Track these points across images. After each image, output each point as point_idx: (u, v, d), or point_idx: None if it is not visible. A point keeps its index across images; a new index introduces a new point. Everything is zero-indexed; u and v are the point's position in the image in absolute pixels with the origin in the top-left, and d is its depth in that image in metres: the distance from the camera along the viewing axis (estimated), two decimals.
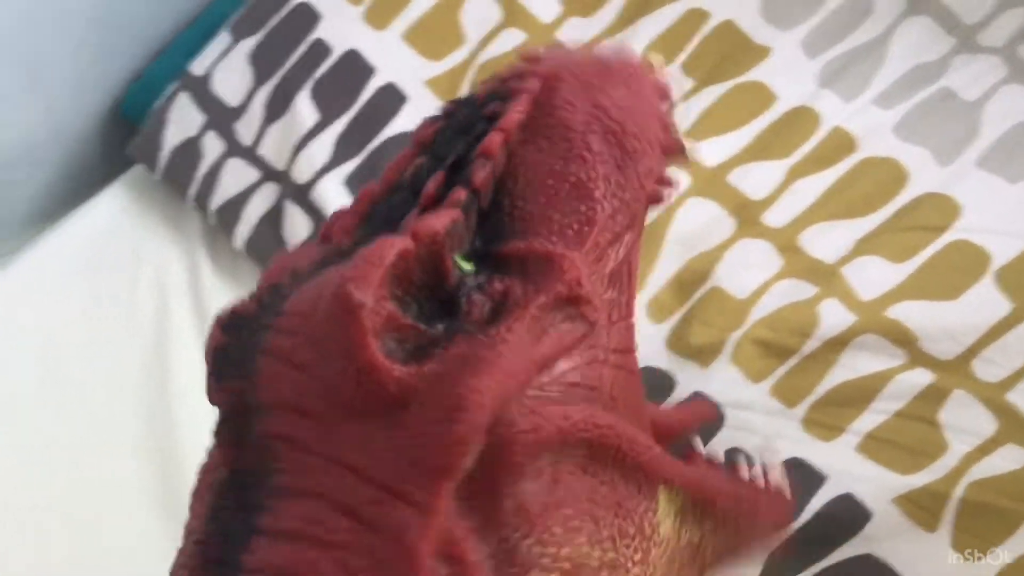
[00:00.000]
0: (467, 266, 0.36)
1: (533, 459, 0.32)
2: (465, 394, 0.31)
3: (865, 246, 0.93)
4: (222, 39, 1.17)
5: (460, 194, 0.36)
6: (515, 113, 0.37)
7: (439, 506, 0.31)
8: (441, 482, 0.31)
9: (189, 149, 1.15)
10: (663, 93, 0.40)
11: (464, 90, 1.08)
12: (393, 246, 0.34)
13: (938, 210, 0.92)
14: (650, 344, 0.92)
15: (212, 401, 0.36)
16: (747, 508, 0.37)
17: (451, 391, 0.31)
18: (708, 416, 0.47)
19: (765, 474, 0.41)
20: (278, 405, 0.33)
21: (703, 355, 0.91)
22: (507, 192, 0.37)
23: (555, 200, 0.36)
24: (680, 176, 1.00)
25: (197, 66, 1.17)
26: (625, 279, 0.37)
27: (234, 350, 0.35)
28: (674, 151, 0.38)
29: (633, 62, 0.41)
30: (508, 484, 0.32)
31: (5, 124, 1.17)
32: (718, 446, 0.88)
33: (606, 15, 1.10)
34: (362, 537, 0.31)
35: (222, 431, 0.35)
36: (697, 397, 0.77)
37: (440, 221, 0.35)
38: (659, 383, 0.91)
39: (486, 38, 1.10)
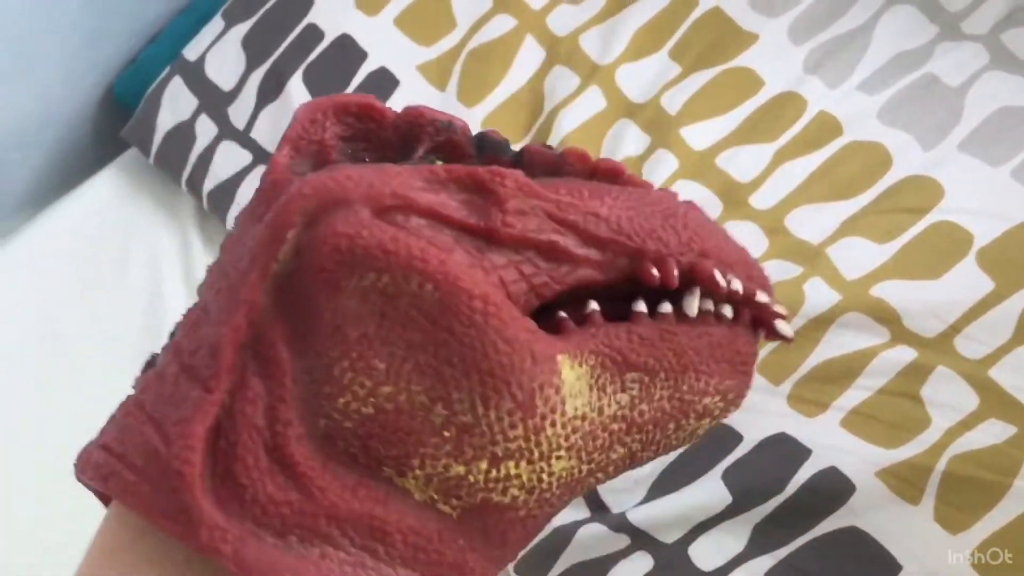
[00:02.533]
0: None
1: (350, 272, 0.29)
2: (295, 181, 0.30)
3: (850, 227, 0.94)
4: (215, 24, 1.18)
5: (493, 133, 0.35)
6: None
7: (246, 295, 0.29)
8: (252, 268, 0.30)
9: (182, 133, 1.16)
10: (753, 268, 0.38)
11: (455, 75, 1.09)
12: (365, 97, 0.34)
13: (921, 192, 0.94)
14: None
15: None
16: (668, 350, 0.33)
17: (302, 183, 0.30)
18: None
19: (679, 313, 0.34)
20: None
21: None
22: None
23: (567, 180, 0.34)
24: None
25: (190, 51, 1.18)
26: (559, 275, 0.33)
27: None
28: (703, 277, 0.35)
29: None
30: (324, 295, 0.30)
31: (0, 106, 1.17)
32: None
33: (596, 2, 1.11)
34: (198, 325, 0.31)
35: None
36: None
37: (434, 112, 0.34)
38: None
39: (477, 24, 1.11)
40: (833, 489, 0.84)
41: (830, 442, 0.85)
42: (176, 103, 1.17)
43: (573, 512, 0.91)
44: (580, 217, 0.32)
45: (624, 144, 1.03)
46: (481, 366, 0.30)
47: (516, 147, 0.35)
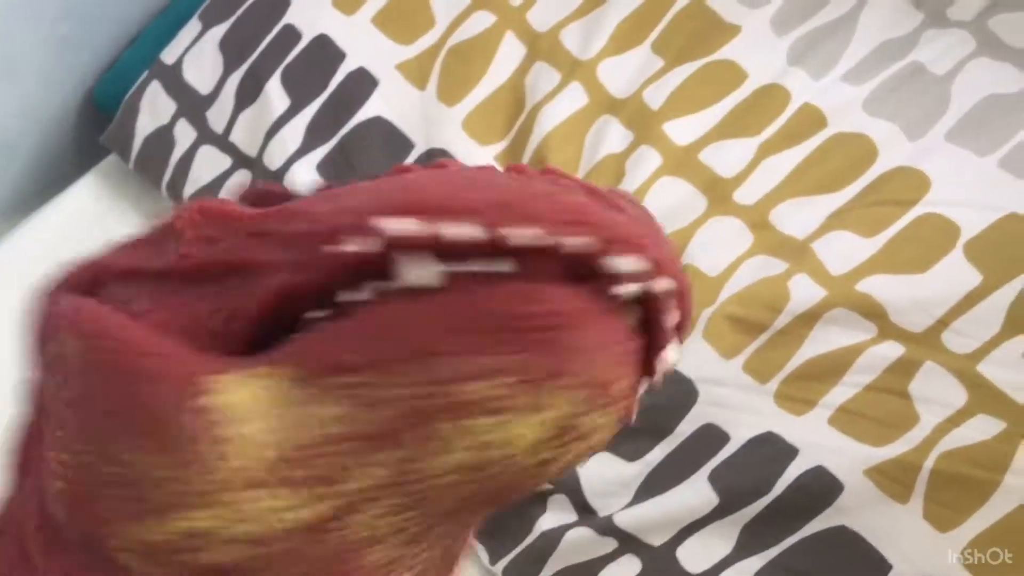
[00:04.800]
0: None
1: (45, 341, 0.29)
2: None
3: (835, 221, 0.93)
4: (192, 27, 1.16)
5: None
6: None
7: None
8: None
9: (161, 137, 1.14)
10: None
11: (435, 73, 1.08)
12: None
13: (907, 184, 0.93)
14: None
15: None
16: (398, 340, 0.26)
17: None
18: None
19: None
20: None
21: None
22: None
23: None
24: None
25: (168, 55, 1.17)
26: (248, 291, 0.29)
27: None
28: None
29: None
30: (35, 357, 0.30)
31: None
32: (692, 424, 0.88)
33: None
34: None
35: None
36: None
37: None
38: None
39: (456, 21, 1.09)
40: (821, 488, 0.83)
41: (817, 441, 0.84)
42: (155, 108, 1.15)
43: (560, 516, 0.91)
44: (280, 223, 0.28)
45: (606, 141, 1.02)
46: (107, 399, 0.27)
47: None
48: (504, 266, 0.26)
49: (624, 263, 0.27)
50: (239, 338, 0.28)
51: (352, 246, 0.26)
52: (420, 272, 0.26)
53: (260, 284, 0.28)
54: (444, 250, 0.26)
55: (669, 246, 0.30)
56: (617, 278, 0.27)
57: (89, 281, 0.29)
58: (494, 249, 0.26)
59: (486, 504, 0.27)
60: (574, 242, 0.27)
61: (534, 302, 0.26)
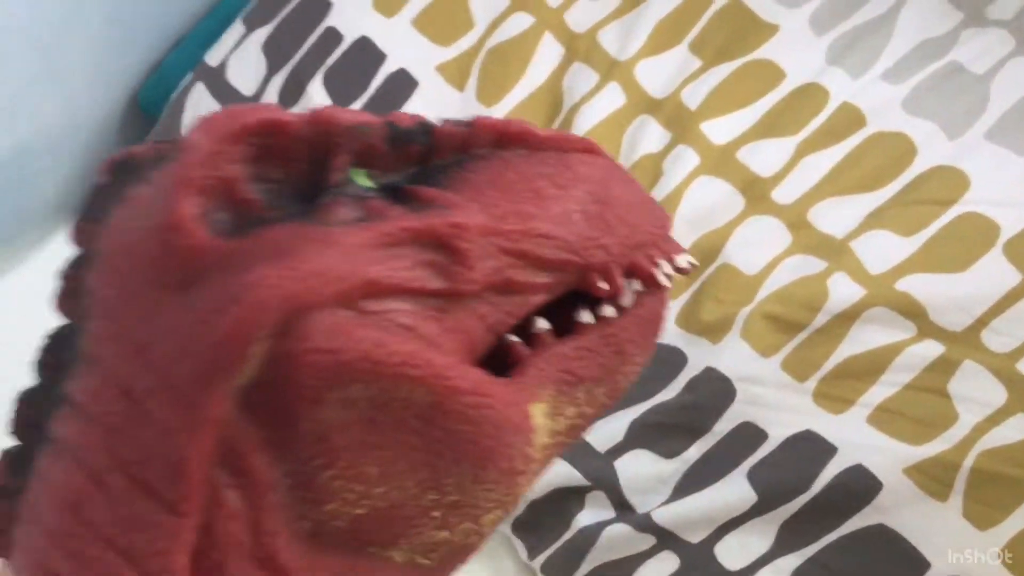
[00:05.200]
0: (364, 182, 0.31)
1: (333, 387, 0.27)
2: (249, 283, 0.26)
3: (874, 220, 0.93)
4: (236, 29, 1.18)
5: (401, 119, 0.32)
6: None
7: (211, 414, 0.26)
8: (210, 384, 0.26)
9: None
10: (670, 243, 0.37)
11: (474, 74, 1.09)
12: (268, 110, 0.29)
13: (947, 183, 0.93)
14: None
15: (71, 238, 0.31)
16: (612, 354, 0.33)
17: (238, 276, 0.26)
18: None
19: (618, 307, 0.34)
20: (107, 254, 0.29)
21: (713, 331, 0.92)
22: (470, 170, 0.33)
23: (507, 186, 0.32)
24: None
25: (212, 57, 1.19)
26: (516, 306, 0.31)
27: (110, 193, 0.30)
28: (642, 274, 0.35)
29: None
30: (303, 408, 0.27)
31: (25, 116, 1.18)
32: (729, 422, 0.89)
33: None
34: (134, 425, 0.27)
35: (66, 274, 0.31)
36: None
37: (345, 115, 0.30)
38: (670, 359, 0.92)
39: (495, 22, 1.11)
40: (860, 487, 0.83)
41: (856, 439, 0.85)
42: (199, 109, 1.17)
43: (598, 512, 0.91)
44: (531, 244, 0.31)
45: (644, 140, 1.03)
46: (471, 453, 0.29)
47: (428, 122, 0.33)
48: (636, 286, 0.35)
49: (682, 261, 0.36)
50: (483, 346, 0.31)
51: (617, 289, 0.33)
52: (629, 297, 0.34)
53: (517, 301, 0.31)
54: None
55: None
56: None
57: (360, 297, 0.28)
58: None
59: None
60: (681, 262, 0.37)
61: (662, 305, 0.36)
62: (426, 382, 0.28)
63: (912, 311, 0.87)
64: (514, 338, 0.31)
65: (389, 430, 0.28)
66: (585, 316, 0.33)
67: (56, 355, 0.31)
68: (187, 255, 0.27)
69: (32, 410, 0.31)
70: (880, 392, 0.86)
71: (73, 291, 0.31)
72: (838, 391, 0.87)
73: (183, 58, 1.23)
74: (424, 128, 0.33)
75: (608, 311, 0.33)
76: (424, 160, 0.33)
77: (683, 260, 0.36)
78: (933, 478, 0.82)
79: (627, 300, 0.33)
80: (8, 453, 0.31)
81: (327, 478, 0.28)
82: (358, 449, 0.28)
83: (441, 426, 0.28)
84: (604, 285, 0.32)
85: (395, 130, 0.32)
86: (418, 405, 0.28)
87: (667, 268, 0.35)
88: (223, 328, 0.26)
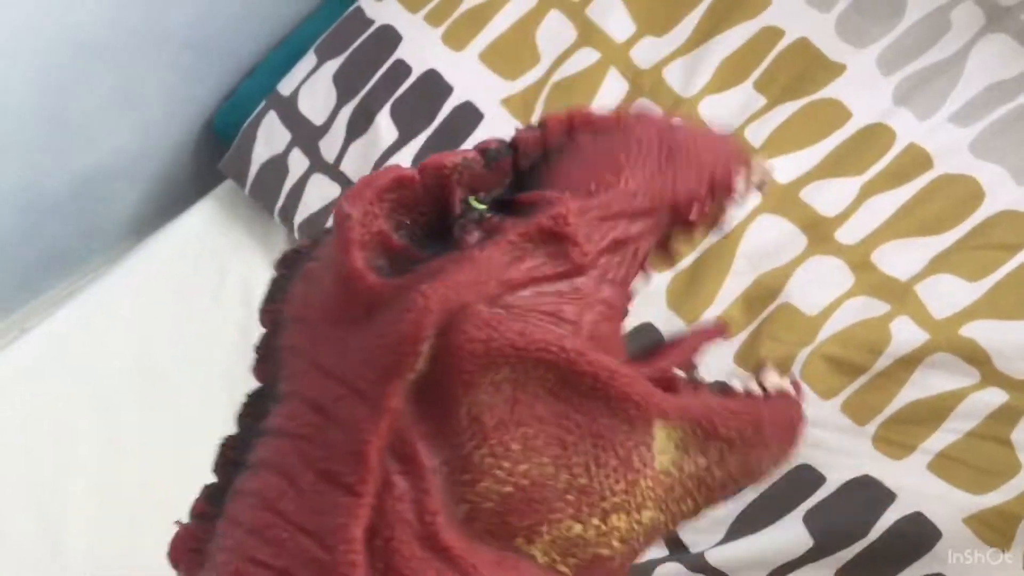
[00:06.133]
0: (478, 205, 0.38)
1: (486, 370, 0.33)
2: (416, 296, 0.34)
3: (939, 264, 0.92)
4: (308, 60, 1.21)
5: (489, 143, 0.39)
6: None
7: (389, 404, 0.33)
8: (390, 380, 0.33)
9: (276, 165, 1.19)
10: (739, 156, 0.43)
11: (538, 109, 1.10)
12: (391, 172, 0.38)
13: (1014, 228, 0.92)
14: (718, 359, 0.93)
15: (261, 321, 0.41)
16: (750, 424, 0.37)
17: (407, 295, 0.34)
18: (714, 334, 0.49)
19: (762, 386, 0.40)
20: (293, 318, 0.38)
21: None
22: (554, 165, 0.40)
23: (587, 166, 0.39)
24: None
25: (284, 86, 1.22)
26: (630, 254, 0.38)
27: (284, 279, 0.40)
28: (723, 189, 0.40)
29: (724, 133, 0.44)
30: (461, 393, 0.34)
31: (104, 140, 1.23)
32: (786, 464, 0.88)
33: (680, 34, 1.11)
34: (324, 430, 0.34)
35: (259, 349, 0.40)
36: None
37: (448, 157, 0.39)
38: None
39: (561, 57, 1.12)
40: (919, 535, 0.82)
41: (916, 486, 0.84)
42: (270, 137, 1.20)
43: (651, 551, 0.91)
44: (620, 204, 0.38)
45: None
46: (593, 430, 0.34)
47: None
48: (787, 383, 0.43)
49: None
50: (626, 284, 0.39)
51: (705, 215, 0.40)
52: (773, 378, 0.41)
53: (630, 250, 0.38)
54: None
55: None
56: None
57: (499, 294, 0.35)
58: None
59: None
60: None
61: (800, 411, 0.41)
62: (558, 361, 0.34)
63: (976, 357, 0.86)
64: (680, 373, 0.37)
65: (527, 406, 0.34)
66: (735, 383, 0.39)
67: (254, 407, 0.39)
68: (366, 295, 0.35)
69: (232, 451, 0.38)
70: (942, 439, 0.85)
71: (265, 357, 0.39)
72: (899, 436, 0.86)
73: (256, 86, 1.27)
74: (507, 143, 0.40)
75: (754, 386, 0.39)
76: (516, 167, 0.40)
77: (759, 172, 0.41)
78: (994, 528, 0.81)
79: (771, 382, 0.40)
80: (208, 487, 0.38)
81: (479, 457, 0.34)
82: (504, 427, 0.34)
83: (568, 400, 0.34)
84: (694, 213, 0.39)
85: (488, 154, 0.40)
86: (552, 382, 0.34)
87: (743, 181, 0.40)
88: (400, 331, 0.34)
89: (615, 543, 0.34)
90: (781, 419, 0.38)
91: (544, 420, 0.34)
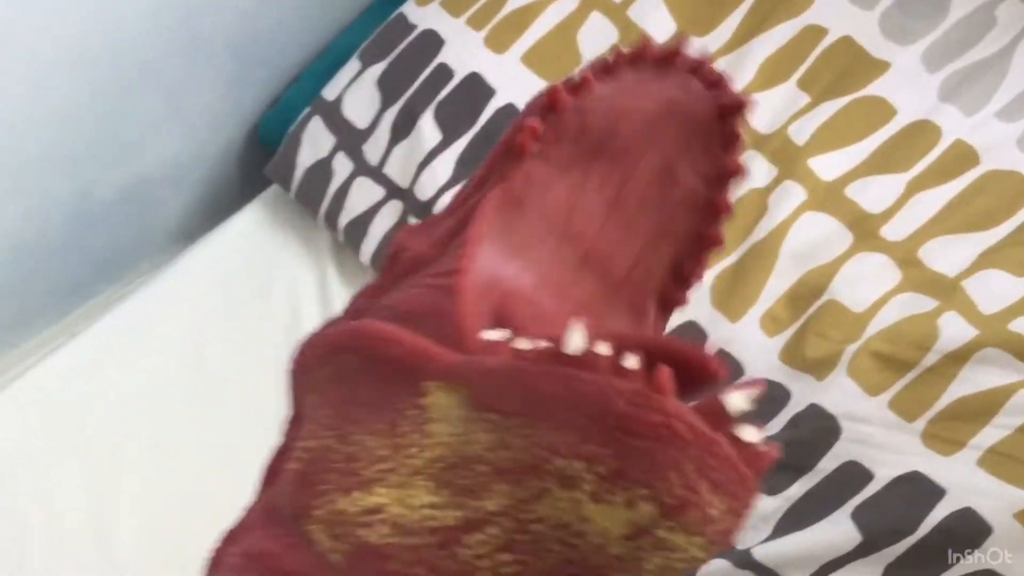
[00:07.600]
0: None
1: (319, 365, 0.35)
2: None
3: (987, 260, 0.91)
4: (352, 65, 1.23)
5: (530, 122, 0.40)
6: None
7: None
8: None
9: (321, 169, 1.21)
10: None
11: None
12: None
13: None
14: (764, 357, 0.93)
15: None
16: (518, 388, 0.29)
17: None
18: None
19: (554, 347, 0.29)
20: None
21: (819, 368, 0.91)
22: None
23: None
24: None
25: (329, 91, 1.23)
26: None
27: None
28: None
29: None
30: (302, 390, 0.36)
31: (152, 150, 1.25)
32: (834, 460, 0.88)
33: (723, 32, 1.11)
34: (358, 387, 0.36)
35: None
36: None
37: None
38: (773, 395, 0.91)
39: None
40: (968, 531, 0.81)
41: (966, 482, 0.83)
42: (315, 141, 1.22)
43: None
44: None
45: (750, 175, 1.03)
46: (360, 393, 0.33)
47: None
48: (632, 361, 0.28)
49: (738, 400, 0.27)
50: None
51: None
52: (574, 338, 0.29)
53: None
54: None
55: None
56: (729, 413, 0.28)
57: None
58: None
59: None
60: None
61: (653, 411, 0.27)
62: (370, 345, 0.34)
63: None
64: (691, 405, 0.28)
65: (331, 390, 0.36)
66: (521, 343, 0.30)
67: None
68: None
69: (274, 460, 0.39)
70: (991, 434, 0.84)
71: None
72: (948, 432, 0.85)
73: (301, 92, 1.28)
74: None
75: (523, 344, 0.30)
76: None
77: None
78: None
79: (572, 344, 0.29)
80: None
81: (295, 444, 0.36)
82: (312, 408, 0.36)
83: (344, 362, 0.35)
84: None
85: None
86: (353, 364, 0.35)
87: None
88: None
89: (384, 529, 0.30)
90: (568, 394, 0.28)
91: (339, 400, 0.34)
